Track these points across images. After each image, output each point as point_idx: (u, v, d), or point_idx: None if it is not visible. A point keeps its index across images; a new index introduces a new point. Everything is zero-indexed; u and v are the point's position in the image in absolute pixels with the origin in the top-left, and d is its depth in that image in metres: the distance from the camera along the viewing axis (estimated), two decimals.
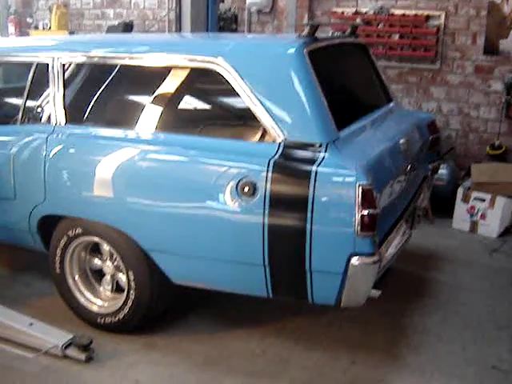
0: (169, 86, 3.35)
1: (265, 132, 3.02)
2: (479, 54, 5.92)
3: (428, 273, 4.55)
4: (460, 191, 5.56)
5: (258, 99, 3.01)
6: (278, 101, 3.02)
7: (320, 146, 2.90)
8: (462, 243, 5.21)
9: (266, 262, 2.92)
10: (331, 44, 3.59)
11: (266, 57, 3.15)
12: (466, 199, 5.52)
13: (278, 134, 2.97)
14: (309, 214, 2.78)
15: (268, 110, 3.00)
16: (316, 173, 2.80)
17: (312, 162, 2.84)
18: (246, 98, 3.05)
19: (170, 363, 3.29)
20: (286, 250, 2.88)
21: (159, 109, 3.33)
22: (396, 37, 6.15)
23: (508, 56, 5.80)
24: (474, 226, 5.47)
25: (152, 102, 3.34)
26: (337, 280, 2.85)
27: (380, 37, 6.14)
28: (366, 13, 6.23)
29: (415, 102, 6.25)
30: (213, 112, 3.48)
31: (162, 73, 3.34)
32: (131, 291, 3.36)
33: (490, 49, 5.87)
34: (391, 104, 4.18)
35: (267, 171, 2.87)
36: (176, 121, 3.36)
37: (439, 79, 6.11)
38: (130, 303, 3.38)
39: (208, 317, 3.77)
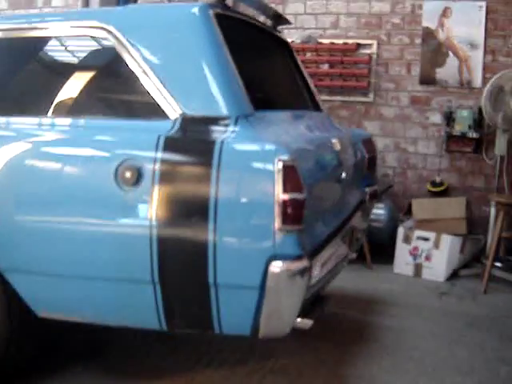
0: (48, 58, 2.62)
1: (159, 108, 2.29)
2: (415, 84, 5.45)
3: (370, 317, 3.81)
4: (400, 231, 4.93)
5: (152, 69, 2.32)
6: (177, 70, 2.35)
7: (228, 119, 2.19)
8: (406, 287, 4.51)
9: (156, 277, 2.13)
10: (249, 22, 2.95)
11: (163, 20, 2.47)
12: (407, 240, 4.87)
13: (173, 109, 2.26)
14: (211, 206, 2.03)
15: (163, 82, 2.30)
16: (221, 147, 2.07)
17: (217, 136, 2.12)
18: (137, 69, 2.35)
19: None
20: (182, 257, 2.09)
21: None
22: (325, 66, 5.64)
23: (446, 86, 5.34)
24: (418, 269, 4.81)
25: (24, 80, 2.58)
26: (252, 297, 2.07)
27: (308, 67, 5.60)
28: (292, 41, 5.71)
29: None
30: (100, 88, 2.68)
31: (42, 44, 2.61)
32: None
33: (426, 79, 5.41)
34: (320, 113, 3.55)
35: (156, 150, 2.12)
36: (48, 101, 2.56)
37: (373, 112, 5.58)
38: None
39: (96, 371, 2.87)
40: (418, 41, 5.41)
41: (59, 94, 2.50)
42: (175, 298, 2.16)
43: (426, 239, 4.79)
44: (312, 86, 3.62)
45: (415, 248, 4.83)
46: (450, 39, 5.30)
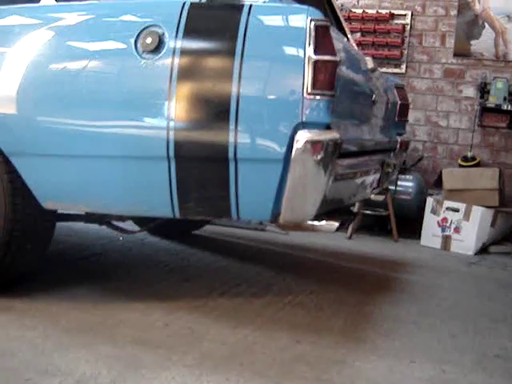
0: None
1: None
2: (449, 56, 5.23)
3: (397, 274, 3.56)
4: (429, 201, 4.67)
5: None
6: None
7: None
8: (434, 256, 4.25)
9: (171, 152, 1.92)
10: None
11: None
12: (436, 210, 4.62)
13: None
14: (236, 62, 1.83)
15: None
16: (252, 8, 1.87)
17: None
18: None
19: (24, 326, 2.16)
20: (201, 124, 1.88)
21: None
22: (357, 35, 5.44)
23: (481, 58, 5.12)
24: (446, 241, 4.54)
25: None
26: (275, 173, 1.86)
27: None
28: None
29: None
30: None
31: None
32: None
33: (461, 51, 5.18)
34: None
35: (180, 14, 1.92)
36: None
37: (405, 84, 5.36)
38: None
39: (98, 290, 2.67)
40: (454, 12, 5.20)
41: None
42: (190, 177, 1.95)
43: (455, 210, 4.53)
44: (347, 29, 3.43)
45: (444, 219, 4.58)
46: (487, 11, 5.09)
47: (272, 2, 1.94)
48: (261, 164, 1.86)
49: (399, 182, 4.58)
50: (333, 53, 1.81)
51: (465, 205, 4.50)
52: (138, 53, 1.96)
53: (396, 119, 3.45)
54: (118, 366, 1.89)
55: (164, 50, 1.93)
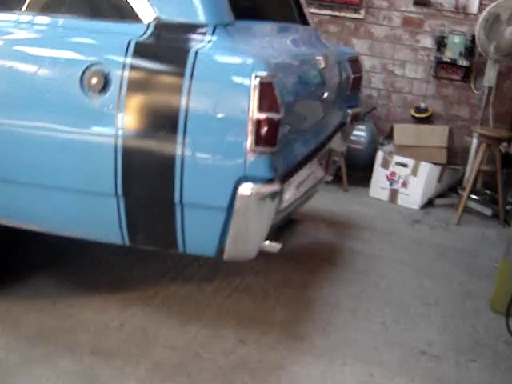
0: None
1: (131, 10, 2.10)
2: (409, 4, 5.20)
3: (341, 241, 3.77)
4: (379, 155, 4.83)
5: None
6: None
7: (206, 27, 2.02)
8: (380, 212, 4.47)
9: (119, 190, 2.02)
10: None
11: None
12: (386, 164, 4.79)
13: (148, 12, 2.07)
14: (181, 118, 1.90)
15: None
16: (195, 56, 1.93)
17: (192, 45, 1.96)
18: None
19: None
20: (148, 171, 1.98)
21: None
22: None
23: (440, 9, 5.12)
24: (393, 195, 4.76)
25: None
26: (218, 218, 1.98)
27: None
28: None
29: None
30: None
31: None
32: None
33: (421, 0, 5.17)
34: (307, 27, 3.35)
35: (125, 55, 1.96)
36: None
37: (363, 30, 5.37)
38: None
39: (56, 282, 2.80)
40: None
41: None
42: (139, 214, 2.07)
43: (404, 165, 4.71)
44: (307, 12, 3.41)
45: (393, 173, 4.77)
46: None
47: (220, 47, 1.97)
48: (205, 210, 1.98)
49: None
50: (277, 110, 1.88)
51: (413, 160, 4.68)
52: (83, 91, 2.00)
53: (348, 93, 3.52)
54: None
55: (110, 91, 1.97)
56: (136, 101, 1.95)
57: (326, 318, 2.76)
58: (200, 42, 1.98)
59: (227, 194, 1.93)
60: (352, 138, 4.85)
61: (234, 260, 2.13)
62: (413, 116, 5.19)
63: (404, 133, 4.88)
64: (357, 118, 3.76)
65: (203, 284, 2.93)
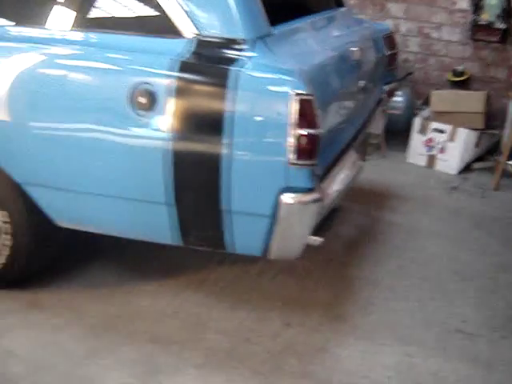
0: None
1: (173, 26, 2.22)
2: None
3: (380, 213, 3.91)
4: (417, 121, 4.90)
5: None
6: None
7: (245, 42, 2.14)
8: (418, 179, 4.57)
9: (171, 200, 2.20)
10: None
11: None
12: (423, 130, 4.86)
13: (189, 28, 2.19)
14: (225, 135, 2.05)
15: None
16: (237, 76, 2.04)
17: (233, 62, 2.09)
18: None
19: (56, 327, 2.55)
20: (197, 183, 2.15)
21: None
22: None
23: None
24: (431, 160, 4.84)
25: None
26: (263, 224, 2.15)
27: None
28: None
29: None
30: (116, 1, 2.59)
31: None
32: (7, 236, 2.59)
33: None
34: (342, 9, 3.42)
35: (170, 75, 2.09)
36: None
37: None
38: (6, 251, 2.62)
39: (112, 268, 3.02)
40: None
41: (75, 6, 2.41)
42: (190, 221, 2.24)
43: (441, 131, 4.77)
44: None
45: (430, 139, 4.83)
46: None
47: (259, 64, 2.09)
48: (250, 216, 2.14)
49: None
50: (315, 126, 2.00)
51: (451, 126, 4.73)
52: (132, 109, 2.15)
53: (384, 71, 3.59)
54: (140, 374, 2.30)
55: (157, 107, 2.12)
56: (182, 118, 2.09)
57: (366, 298, 2.92)
58: (240, 59, 2.09)
59: (270, 203, 2.08)
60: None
61: (280, 259, 2.30)
62: (450, 80, 5.19)
63: (441, 99, 4.91)
64: (393, 93, 3.84)
65: (248, 266, 3.12)
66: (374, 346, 2.57)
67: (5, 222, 2.57)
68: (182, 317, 2.68)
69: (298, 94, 1.99)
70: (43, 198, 2.47)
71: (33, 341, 2.45)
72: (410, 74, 5.29)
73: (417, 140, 4.90)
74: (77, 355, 2.39)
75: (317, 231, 2.38)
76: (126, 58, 2.23)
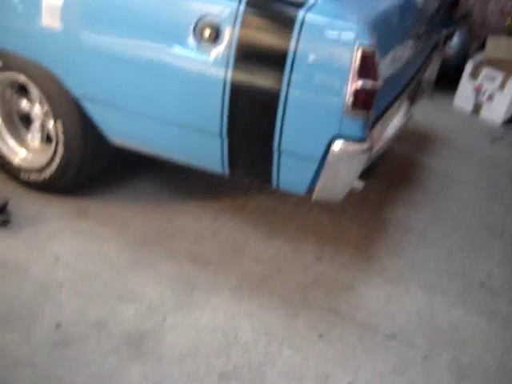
0: None
1: None
2: None
3: (421, 157, 3.94)
4: (469, 65, 4.83)
5: None
6: None
7: None
8: (461, 125, 4.57)
9: (224, 132, 2.26)
10: None
11: None
12: (474, 75, 4.79)
13: None
14: (286, 74, 2.08)
15: None
16: (303, 20, 2.05)
17: (299, 5, 2.09)
18: None
19: (101, 237, 2.70)
20: (251, 118, 2.20)
21: None
22: None
23: None
24: (477, 107, 4.80)
25: None
26: (311, 167, 2.21)
27: None
28: None
29: None
30: None
31: None
32: (59, 145, 2.70)
33: None
34: None
35: (237, 11, 2.11)
36: None
37: None
38: (57, 159, 2.74)
39: (158, 186, 3.14)
40: None
41: None
42: (240, 153, 2.31)
43: (493, 79, 4.70)
44: None
45: (480, 85, 4.77)
46: None
47: (328, 11, 2.09)
48: (300, 157, 2.20)
49: None
50: (375, 78, 2.02)
51: (503, 73, 4.66)
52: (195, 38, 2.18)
53: (445, 16, 3.53)
54: (177, 289, 2.45)
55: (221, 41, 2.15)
56: (245, 52, 2.12)
57: (397, 241, 3.01)
58: (307, 2, 2.09)
59: (322, 147, 2.13)
60: None
61: (322, 201, 2.38)
62: (509, 25, 5.05)
63: (497, 46, 4.80)
64: (451, 37, 3.78)
65: (286, 197, 3.20)
66: (399, 290, 2.69)
67: (59, 132, 2.67)
68: (219, 240, 2.80)
69: (361, 44, 2.00)
70: (98, 114, 2.55)
71: (79, 248, 2.61)
72: (470, 14, 5.15)
73: (466, 84, 4.84)
74: (119, 266, 2.54)
75: (361, 175, 2.44)
76: None
